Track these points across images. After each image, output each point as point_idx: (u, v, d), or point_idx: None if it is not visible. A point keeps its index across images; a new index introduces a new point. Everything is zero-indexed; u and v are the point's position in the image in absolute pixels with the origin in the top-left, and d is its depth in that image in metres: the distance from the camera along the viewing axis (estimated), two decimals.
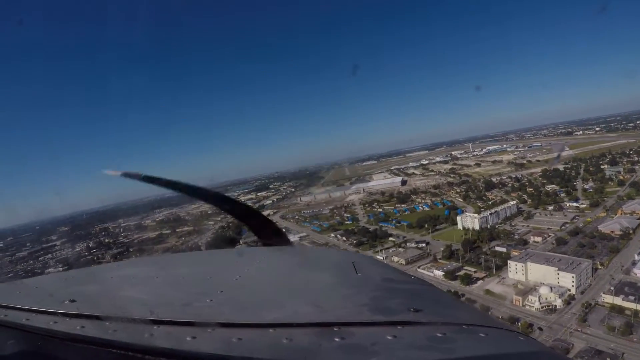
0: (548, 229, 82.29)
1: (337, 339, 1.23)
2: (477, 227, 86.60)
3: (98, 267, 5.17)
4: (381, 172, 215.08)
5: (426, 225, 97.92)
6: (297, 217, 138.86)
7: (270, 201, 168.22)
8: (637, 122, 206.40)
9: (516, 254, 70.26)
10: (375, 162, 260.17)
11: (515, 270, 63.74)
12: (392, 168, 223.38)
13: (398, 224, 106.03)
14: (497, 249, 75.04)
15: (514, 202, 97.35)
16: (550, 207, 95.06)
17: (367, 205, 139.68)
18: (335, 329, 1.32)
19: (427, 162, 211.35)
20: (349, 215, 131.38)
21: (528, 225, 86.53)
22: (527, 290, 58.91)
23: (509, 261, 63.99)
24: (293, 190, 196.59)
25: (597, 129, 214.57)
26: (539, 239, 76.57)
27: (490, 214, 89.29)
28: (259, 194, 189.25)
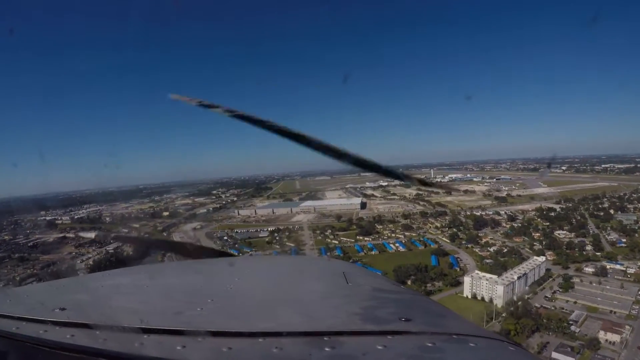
0: (612, 312, 51.27)
1: (327, 349, 1.22)
2: (500, 300, 53.13)
3: (89, 276, 4.61)
4: (335, 190, 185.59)
5: (409, 282, 63.54)
6: (225, 238, 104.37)
7: (205, 210, 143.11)
8: (603, 165, 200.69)
9: None
10: (329, 178, 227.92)
11: None
12: (348, 186, 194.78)
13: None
14: (557, 356, 41.64)
15: (542, 258, 65.76)
16: (588, 269, 65.00)
17: (318, 231, 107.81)
18: (325, 338, 1.31)
19: (386, 183, 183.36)
20: (292, 245, 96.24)
21: (575, 302, 54.94)
22: None
23: None
24: (235, 199, 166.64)
25: (564, 168, 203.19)
26: (615, 337, 44.57)
27: (518, 277, 56.48)
28: (196, 199, 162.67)
